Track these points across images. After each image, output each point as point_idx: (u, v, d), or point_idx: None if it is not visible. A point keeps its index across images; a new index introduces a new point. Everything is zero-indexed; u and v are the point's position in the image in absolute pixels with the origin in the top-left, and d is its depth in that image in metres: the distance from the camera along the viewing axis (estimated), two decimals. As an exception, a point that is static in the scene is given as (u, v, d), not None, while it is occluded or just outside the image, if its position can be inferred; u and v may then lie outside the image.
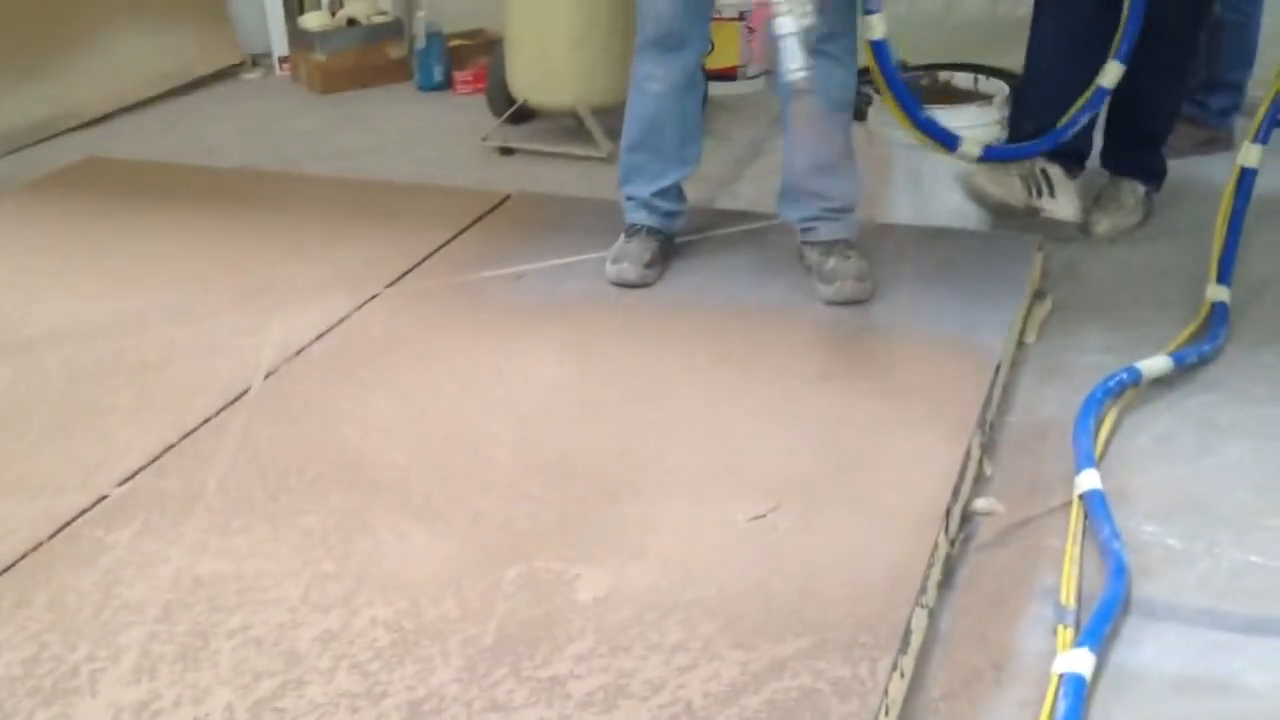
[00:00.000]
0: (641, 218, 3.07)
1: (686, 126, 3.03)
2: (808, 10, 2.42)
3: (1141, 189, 3.45)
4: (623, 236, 3.06)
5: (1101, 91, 3.27)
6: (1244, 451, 2.39)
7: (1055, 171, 3.41)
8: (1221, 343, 2.78)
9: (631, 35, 3.80)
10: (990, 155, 3.35)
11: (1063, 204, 3.41)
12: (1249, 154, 3.00)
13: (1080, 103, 3.28)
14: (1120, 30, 3.19)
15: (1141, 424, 2.51)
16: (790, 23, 2.41)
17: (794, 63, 2.41)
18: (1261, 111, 3.03)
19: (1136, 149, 3.49)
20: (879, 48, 3.09)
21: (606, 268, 2.99)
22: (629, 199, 3.10)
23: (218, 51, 5.14)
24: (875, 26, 3.05)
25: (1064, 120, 3.30)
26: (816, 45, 2.58)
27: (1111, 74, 3.21)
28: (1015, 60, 3.65)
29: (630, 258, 2.97)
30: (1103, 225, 3.40)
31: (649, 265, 2.98)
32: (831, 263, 2.88)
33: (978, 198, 3.41)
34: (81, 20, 4.71)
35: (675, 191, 3.10)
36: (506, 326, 2.75)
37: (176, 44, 5.00)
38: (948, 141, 3.29)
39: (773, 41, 2.48)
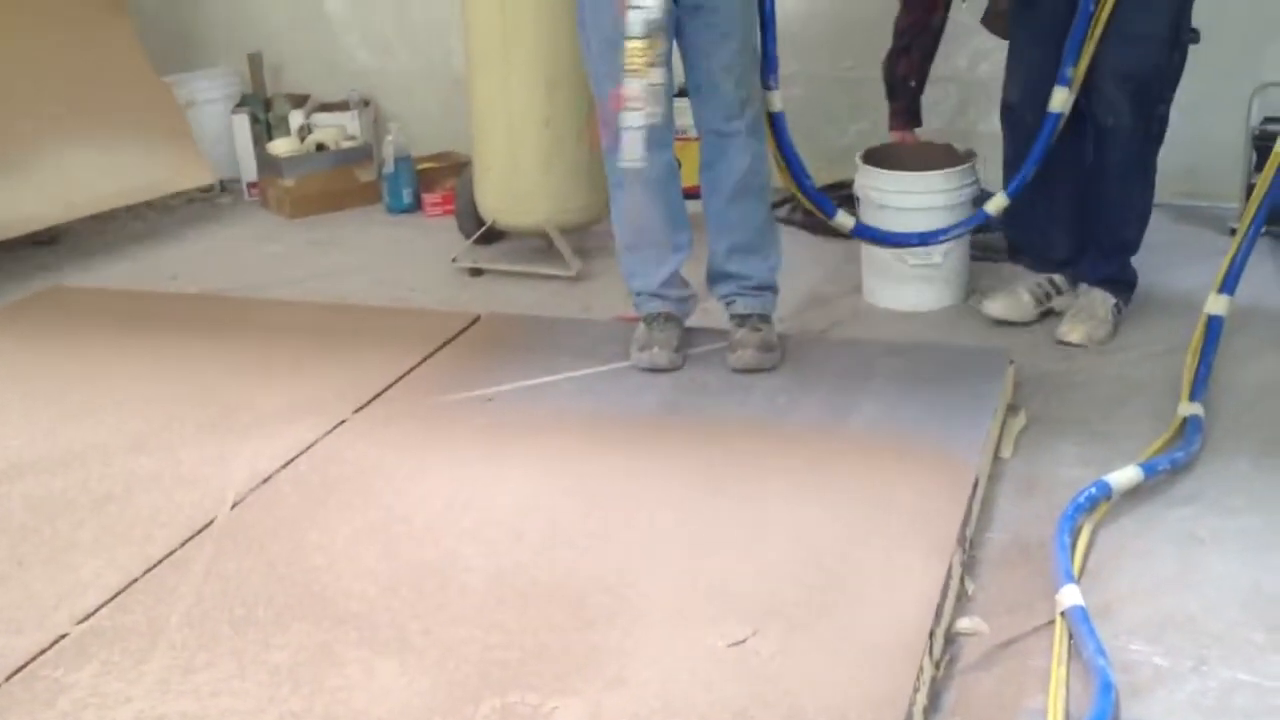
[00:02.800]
0: (656, 306, 3.22)
1: (672, 216, 3.18)
2: (656, 111, 2.71)
3: (1111, 301, 3.45)
4: (642, 325, 3.20)
5: (1051, 117, 3.30)
6: (1227, 565, 2.36)
7: (1060, 279, 3.59)
8: (1196, 450, 2.76)
9: (598, 154, 3.85)
10: (859, 231, 3.57)
11: (1084, 298, 3.50)
12: (1216, 303, 3.08)
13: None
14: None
15: (1122, 539, 2.48)
16: (639, 118, 2.68)
17: (635, 153, 2.72)
18: (1225, 264, 3.08)
19: (1104, 259, 3.50)
20: (776, 120, 3.32)
21: (633, 355, 3.14)
22: (638, 294, 3.26)
23: (188, 171, 5.13)
24: (773, 101, 3.27)
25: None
26: (726, 131, 3.08)
27: (1057, 98, 3.28)
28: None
29: (659, 344, 3.13)
30: (1075, 334, 3.41)
31: (677, 349, 3.15)
32: (741, 334, 3.14)
33: (994, 321, 3.57)
34: (40, 129, 4.67)
35: (679, 279, 3.26)
36: (478, 450, 2.71)
37: (143, 161, 4.99)
38: (827, 210, 3.50)
39: (618, 131, 2.74)
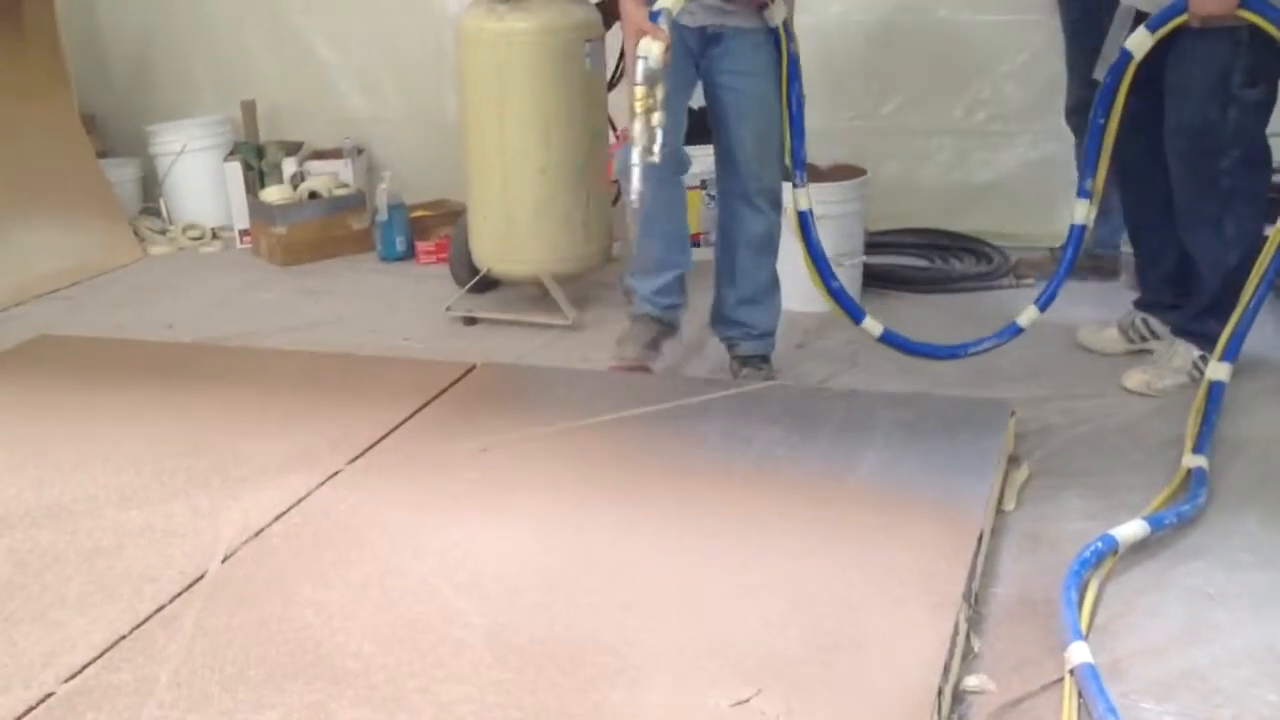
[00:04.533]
0: (644, 309, 3.62)
1: (670, 243, 3.54)
2: (654, 150, 2.96)
3: (1195, 353, 3.36)
4: (628, 322, 3.66)
5: (1075, 230, 3.40)
6: (1237, 621, 2.32)
7: (1154, 322, 3.59)
8: (1202, 504, 2.73)
9: (593, 203, 3.87)
10: (886, 337, 3.56)
11: (1166, 347, 3.50)
12: (1218, 370, 3.10)
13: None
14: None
15: (1130, 595, 2.44)
16: (637, 154, 2.96)
17: (635, 187, 2.99)
18: (1227, 332, 3.08)
19: (1183, 308, 3.46)
20: (804, 217, 3.50)
21: (613, 351, 3.60)
22: (636, 292, 3.64)
23: (119, 250, 5.13)
24: (801, 199, 3.49)
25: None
26: (741, 199, 3.42)
27: (1079, 210, 3.38)
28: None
29: (633, 340, 3.59)
30: (1132, 380, 3.39)
31: (648, 347, 3.59)
32: (745, 372, 3.55)
33: (1085, 348, 3.70)
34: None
35: (674, 287, 3.61)
36: (473, 503, 2.67)
37: (77, 241, 4.99)
38: (855, 315, 3.58)
39: (624, 166, 3.01)
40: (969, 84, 4.67)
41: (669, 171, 3.32)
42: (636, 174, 2.99)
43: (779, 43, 3.33)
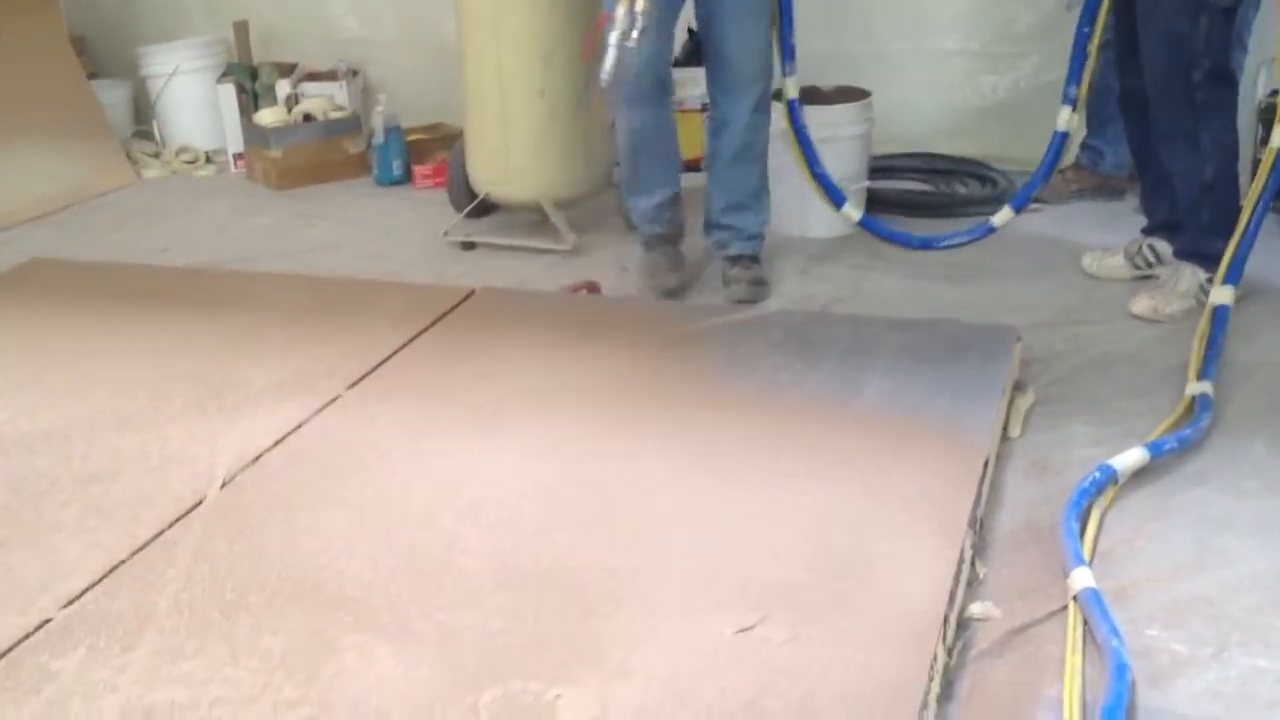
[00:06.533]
0: (652, 229, 3.67)
1: (661, 160, 3.60)
2: (634, 38, 3.00)
3: (1202, 275, 3.32)
4: (641, 248, 3.71)
5: (1057, 136, 3.47)
6: (1245, 548, 2.30)
7: (1161, 246, 3.54)
8: (1205, 428, 2.71)
9: (592, 127, 3.83)
10: (865, 223, 3.84)
11: (1171, 272, 3.45)
12: (1221, 294, 3.08)
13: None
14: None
15: (1136, 521, 2.42)
16: (615, 37, 3.01)
17: (607, 69, 3.03)
18: (1228, 255, 3.05)
19: (1183, 230, 3.43)
20: (792, 105, 3.71)
21: (638, 281, 3.64)
22: (636, 210, 3.70)
23: (111, 174, 5.06)
24: (790, 87, 3.68)
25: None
26: (733, 101, 3.45)
27: (1062, 117, 3.45)
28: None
29: (659, 268, 3.62)
30: (1139, 305, 3.36)
31: (673, 267, 3.63)
32: (735, 271, 3.61)
33: (1090, 275, 3.67)
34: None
35: (671, 203, 3.66)
36: (473, 428, 2.64)
37: (67, 166, 4.93)
38: (836, 199, 3.82)
39: (601, 46, 3.06)
40: (976, 5, 4.59)
41: (655, 95, 3.44)
42: (611, 55, 3.03)
43: None
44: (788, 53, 3.61)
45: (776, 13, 3.55)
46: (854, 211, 3.78)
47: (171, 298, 3.45)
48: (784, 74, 3.63)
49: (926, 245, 3.81)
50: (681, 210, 3.74)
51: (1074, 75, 3.38)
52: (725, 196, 3.64)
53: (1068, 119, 3.43)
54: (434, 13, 5.06)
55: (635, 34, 3.03)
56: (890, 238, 3.86)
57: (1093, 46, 3.33)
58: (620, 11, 3.02)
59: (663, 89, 3.50)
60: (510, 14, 3.90)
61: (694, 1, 3.47)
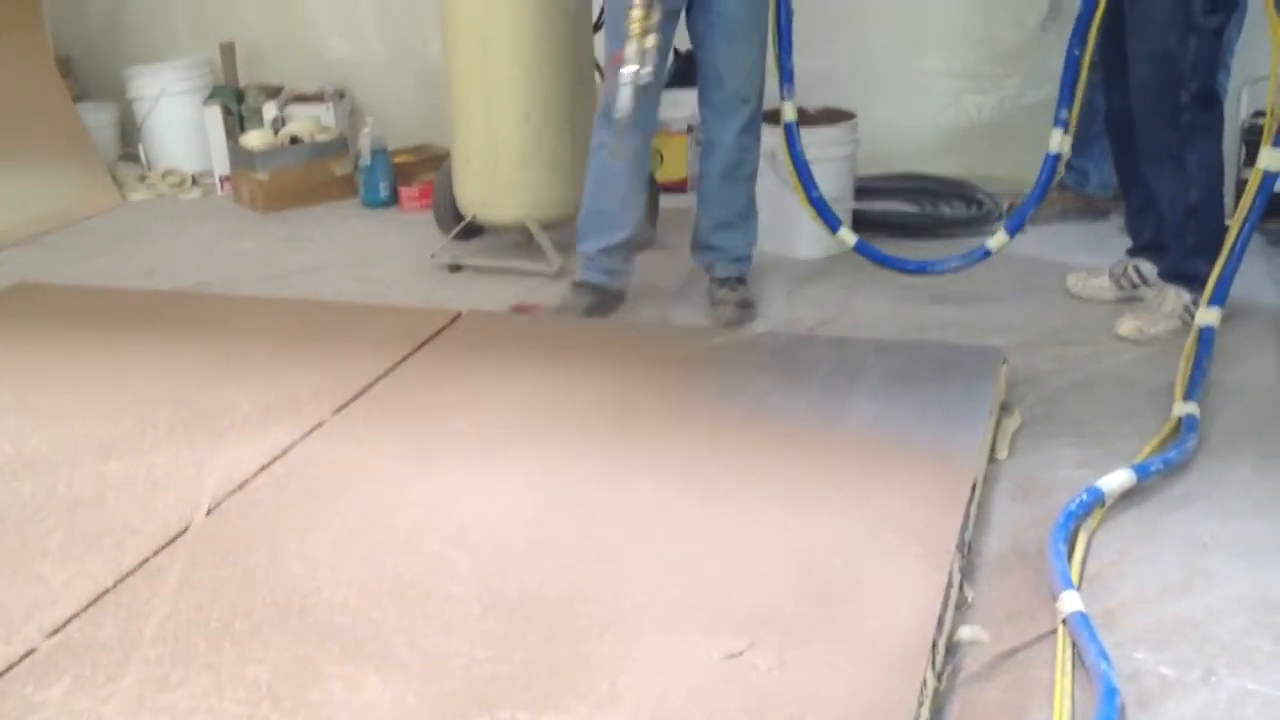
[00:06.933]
0: (587, 275, 3.66)
1: (629, 194, 3.59)
2: (646, 73, 3.07)
3: (1186, 297, 3.33)
4: (571, 288, 3.68)
5: (1050, 158, 3.44)
6: (1231, 570, 2.30)
7: (1147, 267, 3.55)
8: (1191, 449, 2.71)
9: (579, 148, 3.83)
10: (860, 248, 3.77)
11: (1156, 293, 3.47)
12: (1207, 315, 3.08)
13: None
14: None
15: (1124, 544, 2.42)
16: (629, 74, 3.07)
17: (624, 105, 3.10)
18: (1214, 276, 3.06)
19: (1169, 252, 3.44)
20: (789, 129, 3.66)
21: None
22: (581, 254, 3.67)
23: (97, 197, 5.05)
24: (787, 111, 3.64)
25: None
26: (724, 121, 3.47)
27: (1054, 139, 3.43)
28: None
29: (571, 308, 3.60)
30: (1125, 326, 3.37)
31: (587, 314, 3.58)
32: (722, 293, 3.62)
33: (1074, 296, 3.68)
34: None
35: (619, 252, 3.65)
36: (460, 453, 2.63)
37: (53, 188, 4.93)
38: (832, 224, 3.77)
39: (616, 86, 3.13)
40: (960, 26, 4.61)
41: (645, 124, 3.44)
42: (627, 93, 3.09)
43: None
44: (787, 75, 3.58)
45: (775, 34, 3.53)
46: (850, 236, 3.75)
47: (157, 321, 3.44)
48: (782, 97, 3.62)
49: (923, 270, 3.74)
50: (628, 266, 3.71)
51: (1065, 97, 3.37)
52: (713, 216, 3.64)
53: (1060, 141, 3.41)
54: (421, 34, 5.08)
55: (648, 70, 3.09)
56: (885, 262, 3.77)
57: (1084, 68, 3.33)
58: (631, 50, 3.06)
59: (652, 118, 3.53)
60: (497, 36, 3.91)
61: (686, 21, 3.47)
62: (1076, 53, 3.32)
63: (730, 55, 3.43)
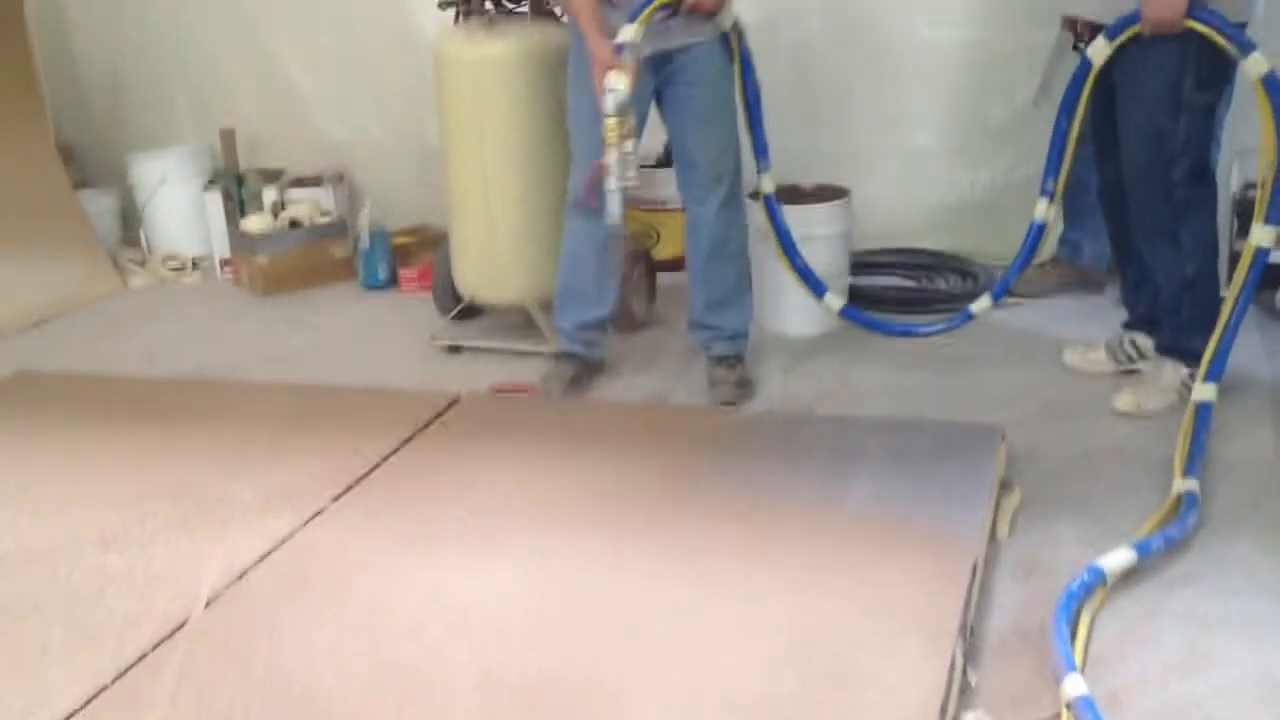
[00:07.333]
0: (567, 345, 3.76)
1: (603, 275, 3.70)
2: (630, 176, 3.21)
3: (1183, 371, 3.34)
4: (553, 360, 3.79)
5: (1034, 227, 3.49)
6: (1234, 650, 2.30)
7: (1143, 341, 3.56)
8: (1191, 527, 2.71)
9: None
10: (846, 313, 3.89)
11: (1153, 367, 3.47)
12: (1203, 391, 3.09)
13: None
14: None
15: (1125, 624, 2.42)
16: (615, 182, 3.21)
17: (615, 211, 3.24)
18: (1209, 352, 3.08)
19: (1164, 326, 3.46)
20: (769, 201, 3.77)
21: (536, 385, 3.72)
22: (559, 328, 3.78)
23: (98, 281, 5.08)
24: (765, 183, 3.75)
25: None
26: (702, 201, 3.55)
27: (1039, 208, 3.48)
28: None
29: (554, 378, 3.70)
30: (1122, 400, 3.38)
31: (571, 384, 3.69)
32: (719, 372, 3.65)
33: (1073, 369, 3.70)
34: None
35: (597, 327, 3.76)
36: (459, 540, 2.63)
37: (56, 275, 4.96)
38: (818, 290, 3.87)
39: (602, 194, 3.26)
40: (950, 103, 4.66)
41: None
42: (616, 200, 3.23)
43: (729, 45, 3.49)
44: (761, 150, 3.67)
45: (745, 111, 3.61)
46: (835, 301, 3.83)
47: (156, 410, 3.45)
48: (759, 171, 3.70)
49: (907, 333, 3.87)
50: (605, 337, 3.81)
51: (1052, 168, 3.41)
52: (705, 294, 3.68)
53: (1044, 210, 3.46)
54: (418, 116, 5.12)
55: (632, 173, 3.22)
56: (871, 326, 3.90)
57: (1071, 139, 3.38)
58: (613, 157, 3.19)
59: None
60: (492, 120, 3.95)
61: (657, 107, 3.54)
62: (1064, 125, 3.36)
63: (701, 136, 3.51)
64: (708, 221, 3.58)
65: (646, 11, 3.25)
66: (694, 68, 3.44)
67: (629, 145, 3.21)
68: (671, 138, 3.61)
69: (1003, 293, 3.65)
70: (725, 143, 3.53)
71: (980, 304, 3.67)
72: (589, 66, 3.34)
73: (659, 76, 3.45)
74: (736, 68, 3.53)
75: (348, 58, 5.33)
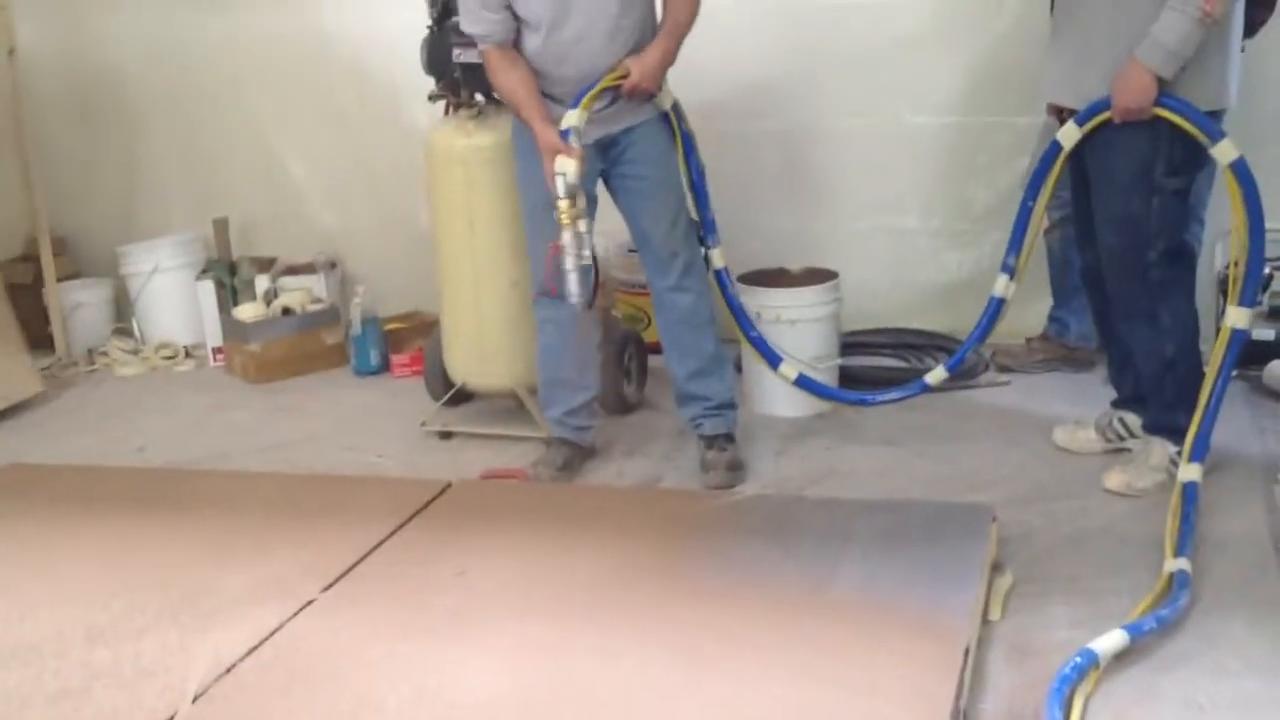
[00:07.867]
0: (558, 431, 3.79)
1: (582, 359, 3.75)
2: (586, 255, 3.32)
3: (1172, 449, 3.34)
4: (544, 445, 3.85)
5: (993, 302, 3.55)
6: (1231, 733, 2.29)
7: (1132, 419, 3.56)
8: (1183, 607, 2.70)
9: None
10: (801, 382, 3.90)
11: (1142, 446, 3.47)
12: (1189, 471, 3.12)
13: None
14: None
15: (1120, 706, 2.40)
16: (572, 261, 3.31)
17: (574, 290, 3.35)
18: (1193, 432, 3.09)
19: (1150, 405, 3.47)
20: (720, 276, 3.81)
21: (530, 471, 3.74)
22: (548, 417, 3.82)
23: (19, 384, 4.90)
24: (715, 259, 3.79)
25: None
26: (662, 277, 3.62)
27: (999, 284, 3.54)
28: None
29: (546, 463, 3.73)
30: (1112, 480, 3.38)
31: (563, 469, 3.72)
32: (710, 455, 3.67)
33: (1062, 449, 3.70)
34: None
35: (584, 411, 3.80)
36: (450, 629, 2.62)
37: None
38: (772, 360, 3.91)
39: (561, 274, 3.35)
40: (935, 187, 4.72)
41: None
42: (574, 279, 3.34)
43: (671, 125, 3.59)
44: (708, 226, 3.73)
45: (691, 188, 3.69)
46: (791, 370, 3.87)
47: (145, 501, 3.44)
48: (707, 246, 3.75)
49: (862, 401, 3.92)
50: (594, 419, 3.86)
51: (1014, 245, 3.46)
52: (685, 366, 3.70)
53: (1004, 286, 3.51)
54: (409, 203, 5.16)
55: (587, 251, 3.33)
56: (826, 395, 3.99)
57: (1036, 218, 3.43)
58: (568, 237, 3.29)
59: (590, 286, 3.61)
60: (482, 209, 3.98)
61: (613, 194, 3.64)
62: (1030, 204, 3.42)
63: (651, 213, 3.58)
64: (669, 295, 3.65)
65: (588, 97, 3.36)
66: (638, 146, 3.53)
67: (582, 224, 3.31)
68: (625, 218, 3.67)
69: (958, 364, 3.75)
70: (675, 217, 3.60)
71: (935, 374, 3.73)
72: (535, 156, 3.42)
73: (606, 158, 3.54)
74: (679, 146, 3.61)
75: (341, 148, 5.39)
